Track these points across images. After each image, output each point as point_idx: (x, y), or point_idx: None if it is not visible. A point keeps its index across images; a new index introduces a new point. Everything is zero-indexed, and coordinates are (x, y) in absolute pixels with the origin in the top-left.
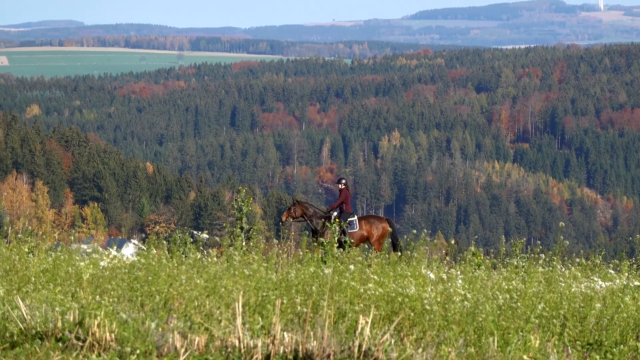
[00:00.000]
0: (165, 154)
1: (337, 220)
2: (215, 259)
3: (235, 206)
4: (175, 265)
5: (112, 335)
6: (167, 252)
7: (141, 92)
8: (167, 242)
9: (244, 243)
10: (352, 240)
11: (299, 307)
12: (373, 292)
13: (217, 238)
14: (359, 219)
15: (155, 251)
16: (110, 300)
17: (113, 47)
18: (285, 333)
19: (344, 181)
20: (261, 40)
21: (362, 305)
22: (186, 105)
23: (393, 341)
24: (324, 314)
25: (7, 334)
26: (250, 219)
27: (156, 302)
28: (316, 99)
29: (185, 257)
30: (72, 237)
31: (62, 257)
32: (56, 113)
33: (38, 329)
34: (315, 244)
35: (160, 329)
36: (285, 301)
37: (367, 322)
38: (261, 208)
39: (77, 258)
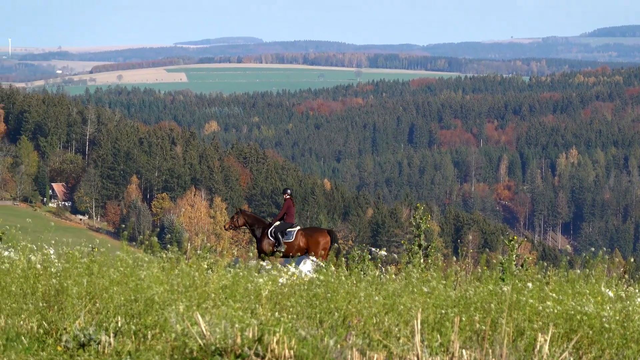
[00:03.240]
0: (343, 171)
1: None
2: (393, 276)
3: (413, 223)
4: (354, 282)
5: (291, 351)
6: (345, 269)
7: (319, 109)
8: (345, 259)
9: (422, 260)
10: (282, 250)
11: (477, 325)
12: (551, 309)
13: (395, 255)
14: (300, 230)
15: (333, 268)
16: (289, 316)
17: (291, 63)
18: (463, 350)
19: (289, 191)
20: (439, 57)
21: (540, 323)
22: (364, 122)
23: (572, 359)
24: (503, 331)
25: (187, 350)
26: (428, 236)
27: (335, 319)
28: (494, 116)
29: (364, 274)
30: (251, 254)
31: (241, 273)
32: (234, 129)
33: (217, 345)
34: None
35: (338, 345)
36: (463, 319)
37: (545, 340)
38: (439, 225)
39: (256, 275)
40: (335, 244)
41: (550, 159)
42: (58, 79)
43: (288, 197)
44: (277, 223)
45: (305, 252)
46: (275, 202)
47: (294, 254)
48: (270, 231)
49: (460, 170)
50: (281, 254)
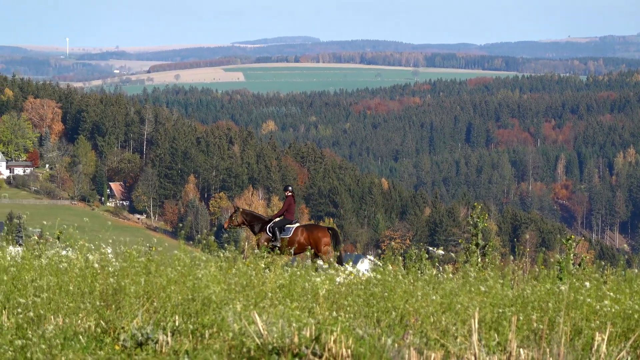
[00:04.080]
0: (401, 170)
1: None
2: (450, 275)
3: (471, 222)
4: (411, 281)
5: (349, 351)
6: (402, 268)
7: (377, 108)
8: (402, 258)
9: (479, 259)
10: (279, 245)
11: (534, 324)
12: (609, 309)
13: (452, 254)
14: (299, 227)
15: (391, 267)
16: (347, 316)
17: (349, 63)
18: (521, 349)
19: (290, 188)
20: (496, 56)
21: (597, 322)
22: (421, 121)
23: (630, 358)
24: (560, 330)
25: (244, 349)
26: (485, 235)
27: (392, 318)
28: (551, 116)
29: (421, 273)
30: (308, 253)
31: (298, 272)
32: (292, 129)
33: (275, 344)
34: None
35: (396, 345)
36: (521, 318)
37: (603, 339)
38: (496, 224)
39: (313, 274)
40: (335, 241)
41: (607, 158)
42: (116, 79)
43: (289, 194)
44: (277, 220)
45: (306, 248)
46: (333, 202)
47: (295, 251)
48: (269, 227)
49: (517, 169)
50: (277, 249)
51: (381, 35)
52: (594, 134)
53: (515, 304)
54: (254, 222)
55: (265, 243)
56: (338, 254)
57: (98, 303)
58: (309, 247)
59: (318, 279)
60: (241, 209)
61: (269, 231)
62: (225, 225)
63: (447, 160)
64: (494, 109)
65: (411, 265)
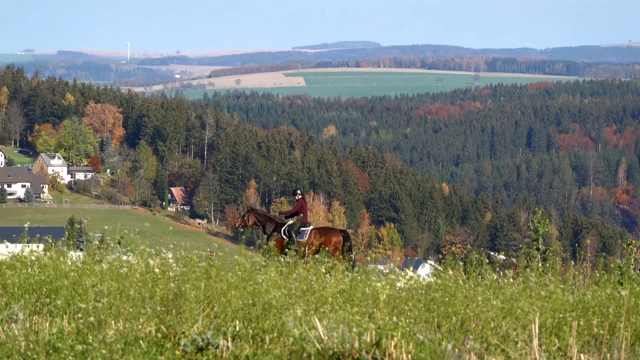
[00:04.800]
0: (462, 175)
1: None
2: (511, 280)
3: (532, 227)
4: (472, 286)
5: (409, 356)
6: (463, 273)
7: (437, 113)
8: (463, 263)
9: (540, 264)
10: (296, 248)
11: (595, 329)
12: None
13: (513, 259)
14: (313, 229)
15: (451, 272)
16: (407, 321)
17: (409, 67)
18: (581, 355)
19: (299, 192)
20: (557, 61)
21: None
22: (482, 126)
23: None
24: (621, 335)
25: (305, 354)
26: (546, 240)
27: (453, 323)
28: (612, 120)
29: (482, 278)
30: (369, 258)
31: (359, 277)
32: (352, 133)
33: (335, 350)
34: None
35: (456, 350)
36: (581, 323)
37: None
38: (557, 229)
39: (374, 279)
40: (348, 243)
41: None
42: (177, 83)
43: (299, 197)
44: (291, 222)
45: (318, 250)
46: (394, 206)
47: (308, 253)
48: (284, 230)
49: (578, 174)
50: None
51: (442, 39)
52: None
53: (576, 309)
54: (267, 222)
55: (279, 246)
56: (351, 256)
57: (159, 308)
58: (321, 247)
59: (379, 284)
60: (254, 209)
61: (285, 234)
62: (237, 225)
63: (508, 165)
64: (555, 113)
65: (472, 270)
